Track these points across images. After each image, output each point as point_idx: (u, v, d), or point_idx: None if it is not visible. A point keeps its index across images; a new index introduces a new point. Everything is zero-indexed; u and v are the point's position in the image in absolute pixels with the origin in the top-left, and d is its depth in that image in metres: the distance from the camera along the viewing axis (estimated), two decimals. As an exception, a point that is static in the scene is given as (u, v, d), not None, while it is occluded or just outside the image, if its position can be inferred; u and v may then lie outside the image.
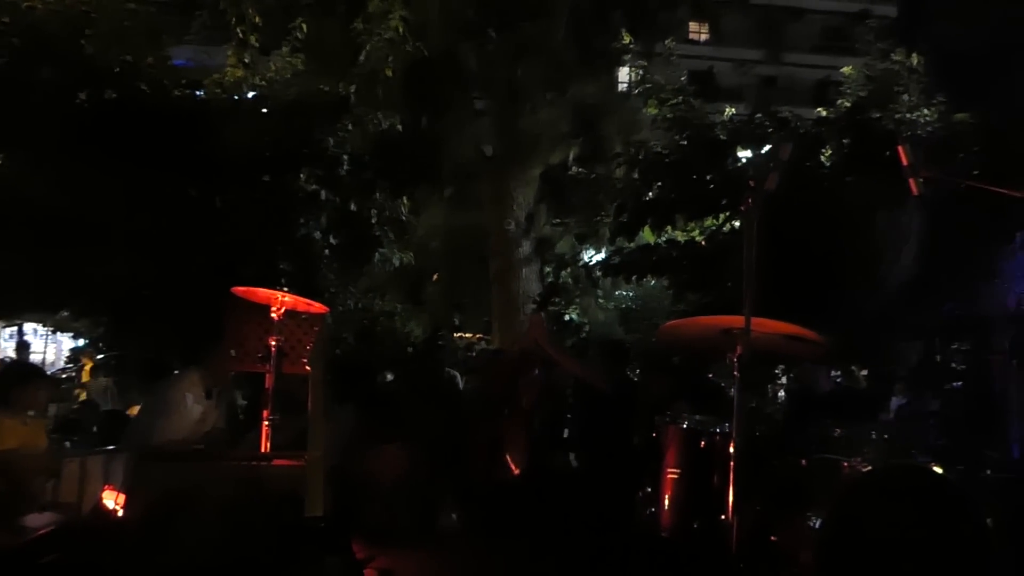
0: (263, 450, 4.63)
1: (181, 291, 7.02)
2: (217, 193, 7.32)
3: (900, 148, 3.91)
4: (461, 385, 8.44)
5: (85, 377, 12.37)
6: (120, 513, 3.69)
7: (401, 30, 8.35)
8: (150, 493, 3.38)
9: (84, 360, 12.88)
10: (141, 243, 6.93)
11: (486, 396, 5.84)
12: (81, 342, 16.43)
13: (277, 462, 3.96)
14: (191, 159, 7.06)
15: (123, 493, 3.73)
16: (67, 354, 18.87)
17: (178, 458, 3.63)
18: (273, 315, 4.80)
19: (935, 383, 4.56)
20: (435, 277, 15.17)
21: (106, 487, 4.37)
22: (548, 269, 13.56)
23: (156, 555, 3.14)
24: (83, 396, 11.46)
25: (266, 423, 4.71)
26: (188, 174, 7.11)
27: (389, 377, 7.92)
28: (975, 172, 6.71)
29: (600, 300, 15.34)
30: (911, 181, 3.84)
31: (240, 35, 7.96)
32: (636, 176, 9.08)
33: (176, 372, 5.91)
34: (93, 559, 3.36)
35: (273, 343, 4.82)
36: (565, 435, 6.21)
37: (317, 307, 4.99)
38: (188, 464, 3.53)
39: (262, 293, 4.83)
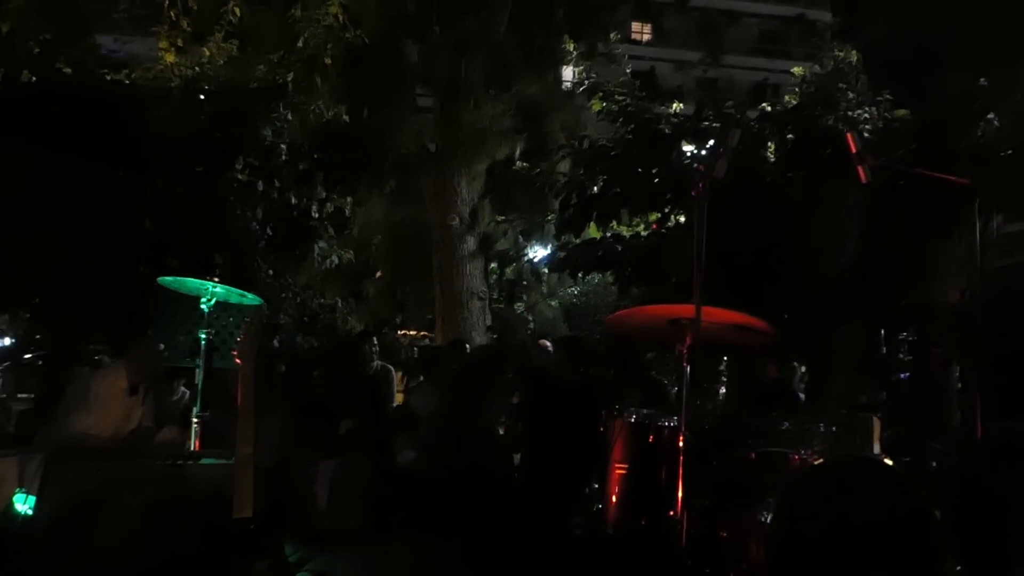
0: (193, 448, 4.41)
1: (108, 283, 6.71)
2: (147, 181, 7.00)
3: (848, 135, 3.87)
4: (398, 382, 8.24)
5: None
6: (30, 515, 3.43)
7: (340, 17, 8.11)
8: (62, 494, 3.13)
9: None
10: (65, 233, 6.58)
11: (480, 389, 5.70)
12: (7, 341, 15.71)
13: (205, 461, 3.73)
14: (118, 146, 6.74)
15: (34, 494, 3.46)
16: (-9, 354, 17.97)
17: (94, 456, 3.38)
18: (203, 307, 4.58)
19: (880, 374, 4.55)
20: (378, 275, 14.91)
21: (18, 489, 4.09)
22: (493, 265, 13.43)
23: (67, 559, 2.90)
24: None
25: (195, 420, 4.49)
26: (115, 161, 6.78)
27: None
28: (913, 168, 6.78)
29: (544, 297, 15.27)
30: (859, 168, 3.80)
31: (172, 17, 7.62)
32: (581, 171, 9.01)
33: (99, 366, 5.62)
34: (-1, 565, 3.11)
35: (203, 336, 4.60)
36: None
37: (251, 298, 4.77)
38: (104, 463, 3.28)
39: (191, 284, 4.60)
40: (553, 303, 15.69)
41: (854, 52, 8.52)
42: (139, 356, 5.06)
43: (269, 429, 5.88)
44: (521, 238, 13.01)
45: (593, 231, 9.00)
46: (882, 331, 4.49)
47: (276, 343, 7.98)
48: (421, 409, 6.34)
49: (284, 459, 5.68)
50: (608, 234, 8.76)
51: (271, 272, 7.84)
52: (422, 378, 7.71)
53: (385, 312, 14.37)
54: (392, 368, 8.35)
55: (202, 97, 7.52)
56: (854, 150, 3.83)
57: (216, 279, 4.67)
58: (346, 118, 8.74)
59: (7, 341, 15.70)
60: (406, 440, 5.97)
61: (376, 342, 7.63)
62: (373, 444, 5.66)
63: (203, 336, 4.56)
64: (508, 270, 14.36)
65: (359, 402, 6.12)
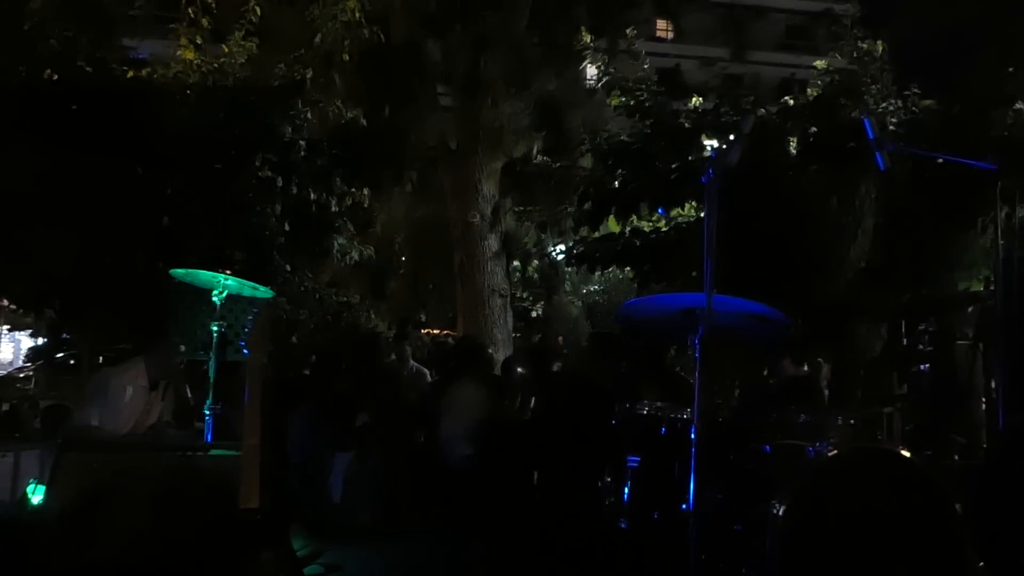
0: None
1: (128, 280, 6.75)
2: (165, 178, 7.03)
3: (866, 121, 3.78)
4: (429, 378, 8.23)
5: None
6: (40, 505, 3.45)
7: (357, 14, 8.09)
8: (71, 484, 3.13)
9: None
10: (84, 230, 6.64)
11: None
12: (40, 341, 15.97)
13: (214, 452, 3.72)
14: (137, 143, 6.78)
15: (44, 484, 3.48)
16: (25, 353, 18.44)
17: (102, 448, 3.38)
18: (215, 299, 4.58)
19: (901, 367, 4.44)
20: (401, 271, 14.95)
21: (32, 480, 4.13)
22: (516, 263, 13.40)
23: (74, 549, 2.89)
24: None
25: (207, 413, 4.50)
26: (134, 159, 6.82)
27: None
28: (938, 160, 6.64)
29: (567, 295, 15.23)
30: (878, 155, 3.71)
31: (192, 15, 7.65)
32: (601, 166, 8.95)
33: (119, 362, 5.65)
34: (7, 553, 3.11)
35: (216, 329, 4.60)
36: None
37: (264, 291, 4.77)
38: (113, 454, 3.28)
39: (203, 276, 4.61)
40: (576, 301, 15.65)
41: (879, 44, 8.33)
42: (159, 352, 5.11)
43: (296, 425, 5.90)
44: (543, 235, 12.96)
45: (613, 225, 8.95)
46: (903, 323, 4.39)
47: (295, 340, 7.99)
48: (460, 405, 6.21)
49: (309, 454, 5.70)
50: (627, 229, 8.70)
51: (288, 268, 7.84)
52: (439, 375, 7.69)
53: (407, 310, 14.41)
54: (427, 371, 8.35)
55: (216, 94, 7.55)
56: (872, 136, 3.74)
57: (230, 272, 4.68)
58: (363, 120, 8.72)
59: (39, 341, 15.98)
60: (460, 436, 5.88)
61: (409, 344, 7.66)
62: (387, 438, 5.63)
63: (215, 329, 4.56)
64: (530, 267, 14.33)
65: (376, 397, 6.09)
